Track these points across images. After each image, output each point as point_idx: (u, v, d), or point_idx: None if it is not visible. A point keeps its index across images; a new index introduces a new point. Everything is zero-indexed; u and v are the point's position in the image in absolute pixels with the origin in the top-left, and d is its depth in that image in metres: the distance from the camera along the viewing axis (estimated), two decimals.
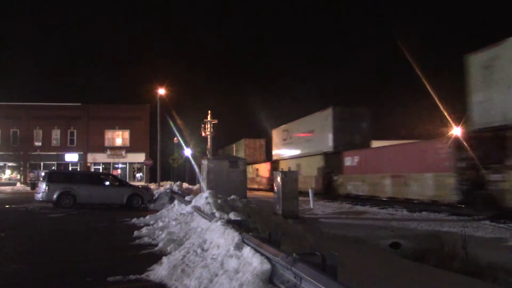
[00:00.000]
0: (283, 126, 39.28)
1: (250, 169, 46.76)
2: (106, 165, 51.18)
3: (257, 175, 44.68)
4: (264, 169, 42.69)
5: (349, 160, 25.49)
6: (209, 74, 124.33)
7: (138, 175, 52.48)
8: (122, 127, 51.89)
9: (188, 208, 11.65)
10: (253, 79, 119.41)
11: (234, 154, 51.43)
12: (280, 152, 39.64)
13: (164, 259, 6.61)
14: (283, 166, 35.75)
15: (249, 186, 45.62)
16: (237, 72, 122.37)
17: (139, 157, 48.18)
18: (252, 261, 4.92)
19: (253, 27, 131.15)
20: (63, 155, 50.48)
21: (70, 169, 48.12)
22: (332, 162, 27.56)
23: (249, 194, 26.13)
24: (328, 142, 28.16)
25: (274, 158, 41.27)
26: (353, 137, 27.40)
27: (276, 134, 41.56)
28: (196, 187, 33.42)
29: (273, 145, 42.43)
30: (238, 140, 55.20)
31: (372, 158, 23.98)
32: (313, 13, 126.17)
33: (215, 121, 45.81)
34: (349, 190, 25.28)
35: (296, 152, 35.02)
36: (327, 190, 27.85)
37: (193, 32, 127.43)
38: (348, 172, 25.58)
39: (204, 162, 21.66)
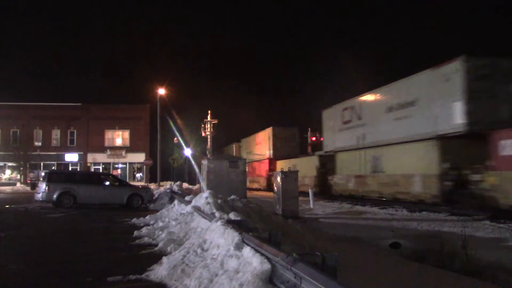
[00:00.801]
0: (343, 102, 26.82)
1: (283, 166, 33.99)
2: (106, 165, 51.19)
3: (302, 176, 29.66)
4: (308, 166, 30.76)
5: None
6: (209, 74, 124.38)
7: (138, 175, 52.49)
8: (122, 127, 51.90)
9: (188, 208, 11.65)
10: (253, 77, 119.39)
11: (255, 147, 45.27)
12: (338, 140, 27.08)
13: (164, 259, 6.60)
14: (343, 160, 26.22)
15: None
16: (237, 71, 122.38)
17: (139, 157, 48.19)
18: (252, 261, 4.92)
19: (253, 27, 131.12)
20: (63, 155, 50.50)
21: (70, 169, 48.16)
22: (456, 151, 16.97)
23: (249, 194, 26.10)
24: (451, 117, 16.70)
25: (327, 149, 29.04)
26: (498, 107, 16.10)
27: (329, 117, 28.76)
28: (196, 187, 33.40)
29: (324, 132, 30.51)
30: (244, 136, 50.15)
31: None
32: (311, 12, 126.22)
33: (215, 121, 45.76)
34: None
35: (370, 139, 22.88)
36: (451, 197, 16.93)
37: (193, 32, 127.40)
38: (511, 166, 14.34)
39: (204, 162, 21.67)
